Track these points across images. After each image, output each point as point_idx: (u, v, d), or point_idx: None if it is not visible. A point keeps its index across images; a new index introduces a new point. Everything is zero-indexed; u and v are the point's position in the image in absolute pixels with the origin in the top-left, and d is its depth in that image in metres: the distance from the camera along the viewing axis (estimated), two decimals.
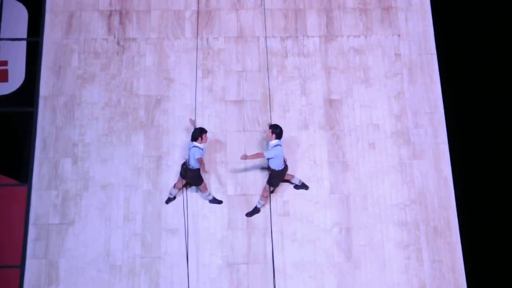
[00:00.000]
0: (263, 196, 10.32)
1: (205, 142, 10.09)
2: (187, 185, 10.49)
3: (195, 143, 9.96)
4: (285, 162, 10.15)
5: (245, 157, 9.99)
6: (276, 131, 10.04)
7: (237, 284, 10.17)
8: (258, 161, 10.52)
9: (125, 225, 10.42)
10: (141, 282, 10.16)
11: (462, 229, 10.48)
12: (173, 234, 10.34)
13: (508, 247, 10.47)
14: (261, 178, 10.56)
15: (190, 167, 10.05)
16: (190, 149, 9.99)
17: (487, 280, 10.27)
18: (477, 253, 10.40)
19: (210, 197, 10.50)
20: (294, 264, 10.27)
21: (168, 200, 10.50)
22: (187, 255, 10.02)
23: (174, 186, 10.39)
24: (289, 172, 10.36)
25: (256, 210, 10.46)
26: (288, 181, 10.57)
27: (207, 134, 10.12)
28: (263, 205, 10.39)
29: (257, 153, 10.10)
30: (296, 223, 10.48)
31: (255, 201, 10.50)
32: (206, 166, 10.21)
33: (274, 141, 10.05)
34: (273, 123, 10.42)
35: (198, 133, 10.00)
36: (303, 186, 10.60)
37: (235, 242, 10.36)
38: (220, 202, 10.54)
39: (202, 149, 9.99)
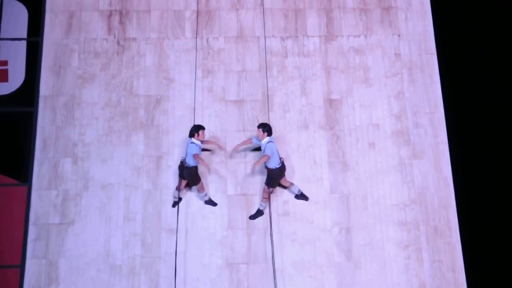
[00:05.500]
0: (264, 198, 10.30)
1: (202, 138, 10.10)
2: (187, 185, 10.49)
3: (192, 139, 9.99)
4: (281, 160, 10.13)
5: (257, 164, 10.05)
6: (265, 128, 10.09)
7: (237, 284, 10.17)
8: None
9: (125, 225, 10.42)
10: (141, 282, 10.16)
11: (462, 229, 10.49)
12: (173, 234, 10.32)
13: (508, 247, 10.47)
14: (261, 178, 10.54)
15: (187, 164, 10.05)
16: (187, 146, 10.02)
17: (487, 280, 10.27)
18: (477, 253, 10.40)
19: (207, 198, 10.47)
20: (294, 264, 10.27)
21: (175, 204, 10.44)
22: (175, 254, 10.03)
23: (176, 188, 10.36)
24: (290, 173, 10.35)
25: (259, 213, 10.43)
26: (287, 188, 10.54)
27: (205, 131, 10.13)
28: (265, 207, 10.37)
29: (262, 157, 10.07)
30: (296, 223, 10.48)
31: (255, 201, 10.51)
32: (205, 163, 10.18)
33: (266, 139, 10.06)
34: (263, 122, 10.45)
35: (195, 129, 10.04)
36: (302, 196, 10.55)
37: (235, 242, 10.36)
38: (215, 204, 10.51)
39: (198, 146, 10.00)
